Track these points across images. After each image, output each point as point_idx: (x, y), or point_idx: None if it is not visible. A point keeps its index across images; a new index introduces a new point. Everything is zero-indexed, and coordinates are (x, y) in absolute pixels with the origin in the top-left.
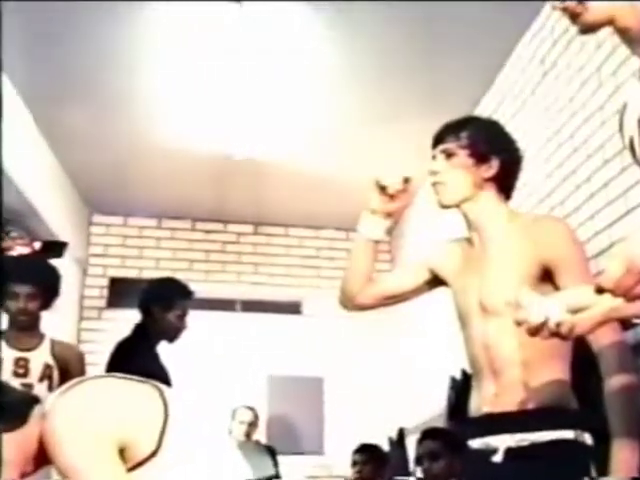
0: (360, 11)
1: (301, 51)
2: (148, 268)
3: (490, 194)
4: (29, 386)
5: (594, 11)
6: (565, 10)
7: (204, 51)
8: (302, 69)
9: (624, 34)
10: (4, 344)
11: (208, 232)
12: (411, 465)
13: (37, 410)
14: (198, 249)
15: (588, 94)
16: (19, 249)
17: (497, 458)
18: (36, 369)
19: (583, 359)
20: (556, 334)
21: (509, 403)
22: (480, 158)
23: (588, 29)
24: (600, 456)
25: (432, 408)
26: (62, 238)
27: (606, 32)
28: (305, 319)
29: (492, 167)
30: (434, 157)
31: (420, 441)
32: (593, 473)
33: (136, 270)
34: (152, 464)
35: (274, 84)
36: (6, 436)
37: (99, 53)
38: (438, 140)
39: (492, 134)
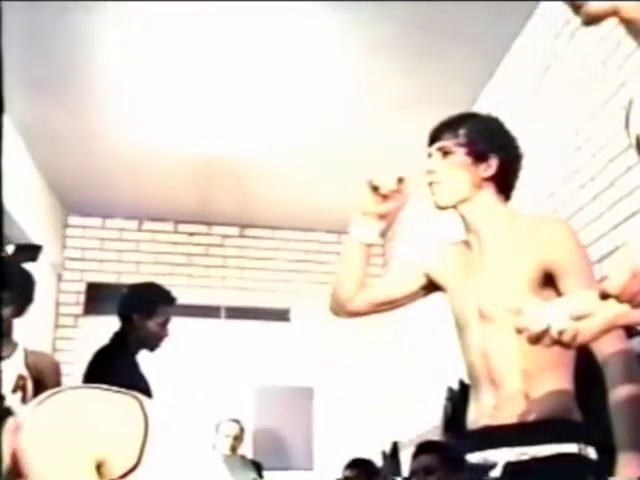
0: (353, 5)
1: (287, 46)
2: (128, 272)
3: (489, 194)
4: (1, 398)
5: (598, 2)
6: (568, 0)
7: (186, 48)
8: (289, 65)
9: (630, 26)
10: None
11: (191, 234)
12: None
13: (10, 423)
14: (181, 252)
15: (592, 89)
16: None
17: (496, 473)
18: (9, 380)
19: (587, 368)
20: (558, 342)
21: (509, 415)
22: (478, 156)
23: (591, 20)
24: (605, 471)
25: (428, 420)
26: (36, 241)
27: (612, 23)
28: (293, 326)
29: (491, 166)
30: (430, 155)
31: (415, 455)
32: None
33: (115, 275)
34: None
35: (259, 81)
36: None
37: (76, 51)
38: (434, 138)
39: (491, 131)
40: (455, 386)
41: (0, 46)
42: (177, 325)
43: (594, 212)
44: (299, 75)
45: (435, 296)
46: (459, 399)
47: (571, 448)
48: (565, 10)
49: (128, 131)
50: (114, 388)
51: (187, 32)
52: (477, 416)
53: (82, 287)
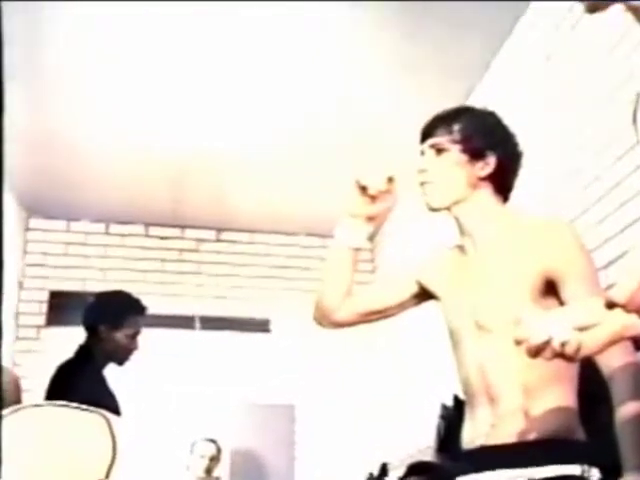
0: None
1: (266, 35)
2: (94, 280)
3: (486, 195)
4: None
5: None
6: None
7: (156, 41)
8: (269, 59)
9: (637, 13)
10: None
11: (163, 238)
12: None
13: None
14: (152, 258)
15: (597, 81)
16: None
17: None
18: None
19: (591, 384)
20: (561, 355)
21: (507, 434)
22: (474, 154)
23: (595, 8)
24: None
25: (419, 439)
26: None
27: (618, 10)
28: (274, 338)
29: (488, 164)
30: (422, 153)
31: (405, 477)
32: None
33: (80, 282)
34: None
35: (237, 74)
36: None
37: (37, 42)
38: (427, 134)
39: (488, 127)
40: (449, 402)
41: (0, 46)
42: (147, 337)
43: (599, 214)
44: (280, 71)
45: (428, 305)
46: (453, 417)
47: (574, 470)
48: None
49: (95, 128)
50: (79, 405)
51: (157, 25)
52: (473, 435)
53: (44, 296)
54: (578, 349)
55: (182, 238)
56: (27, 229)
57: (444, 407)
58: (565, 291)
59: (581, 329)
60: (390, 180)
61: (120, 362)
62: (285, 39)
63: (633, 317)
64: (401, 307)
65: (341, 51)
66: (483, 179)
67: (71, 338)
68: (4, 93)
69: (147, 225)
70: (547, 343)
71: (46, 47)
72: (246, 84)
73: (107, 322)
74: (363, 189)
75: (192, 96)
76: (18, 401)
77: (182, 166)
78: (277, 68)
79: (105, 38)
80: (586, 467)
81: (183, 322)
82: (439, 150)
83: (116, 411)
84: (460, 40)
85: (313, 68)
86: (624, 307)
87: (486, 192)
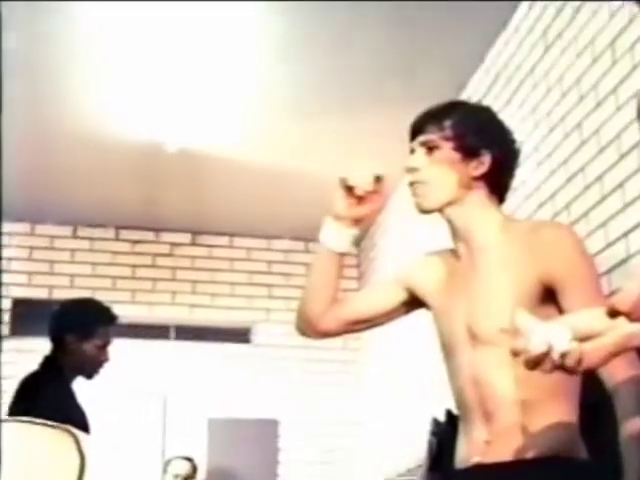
0: None
1: (246, 26)
2: (61, 287)
3: (480, 196)
4: None
5: None
6: None
7: (130, 33)
8: (248, 45)
9: None
10: None
11: (135, 242)
12: None
13: None
14: (123, 263)
15: (600, 73)
16: None
17: None
18: None
19: (594, 398)
20: (561, 367)
21: (504, 451)
22: (468, 152)
23: None
24: None
25: (410, 457)
26: None
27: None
28: (255, 349)
29: (482, 163)
30: (412, 151)
31: None
32: None
33: (46, 289)
34: None
35: (216, 67)
36: None
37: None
38: (417, 130)
39: (482, 123)
40: (441, 418)
41: (0, 47)
42: (119, 348)
43: (601, 216)
44: (259, 54)
45: (418, 313)
46: (446, 433)
47: None
48: None
49: (61, 122)
50: (45, 422)
51: (133, 22)
52: (467, 452)
53: (7, 304)
54: (579, 361)
55: (156, 242)
56: None
57: (436, 422)
58: (565, 299)
59: (582, 339)
60: (378, 180)
61: (89, 375)
62: (264, 35)
63: (638, 326)
64: (390, 316)
65: (328, 45)
66: (477, 179)
67: (36, 349)
68: (4, 93)
69: (118, 228)
70: (546, 354)
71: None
72: (225, 80)
73: (75, 332)
74: (349, 189)
75: (168, 89)
76: None
77: (156, 165)
78: (259, 66)
79: (79, 35)
80: None
81: (157, 332)
82: (430, 148)
83: (85, 428)
84: (453, 31)
85: (295, 65)
86: (628, 315)
87: (480, 193)
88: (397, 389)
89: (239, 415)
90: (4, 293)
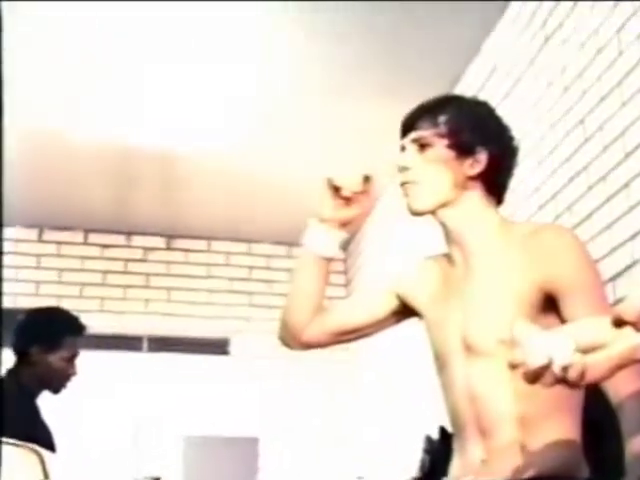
0: None
1: (221, 27)
2: (25, 294)
3: (476, 197)
4: None
5: None
6: None
7: (101, 30)
8: (229, 38)
9: None
10: None
11: (106, 247)
12: None
13: None
14: (92, 269)
15: (604, 66)
16: None
17: None
18: None
19: (597, 413)
20: (562, 380)
21: (501, 471)
22: (463, 150)
23: None
24: None
25: (399, 477)
26: None
27: None
28: (234, 361)
29: (479, 161)
30: (403, 148)
31: None
32: None
33: (9, 297)
34: None
35: (191, 63)
36: None
37: None
38: (409, 126)
39: (478, 119)
40: (434, 435)
41: (0, 48)
42: (87, 360)
43: (606, 219)
44: (243, 47)
45: (409, 323)
46: (439, 451)
47: None
48: None
49: (25, 117)
50: (7, 440)
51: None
52: (462, 472)
53: None
54: (582, 374)
55: (127, 246)
56: None
57: (429, 440)
58: (567, 307)
59: (586, 351)
60: (367, 180)
61: (55, 390)
62: (243, 35)
63: None
64: (379, 326)
65: (313, 38)
66: (473, 178)
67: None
68: (4, 93)
69: (87, 231)
70: (546, 367)
71: None
72: (201, 80)
73: (40, 344)
74: (336, 190)
75: (142, 83)
76: None
77: (128, 163)
78: (236, 62)
79: (43, 33)
80: None
81: (128, 343)
82: (422, 145)
83: (50, 446)
84: (447, 19)
85: (276, 63)
86: (635, 325)
87: (476, 193)
88: (389, 403)
89: (216, 433)
90: None
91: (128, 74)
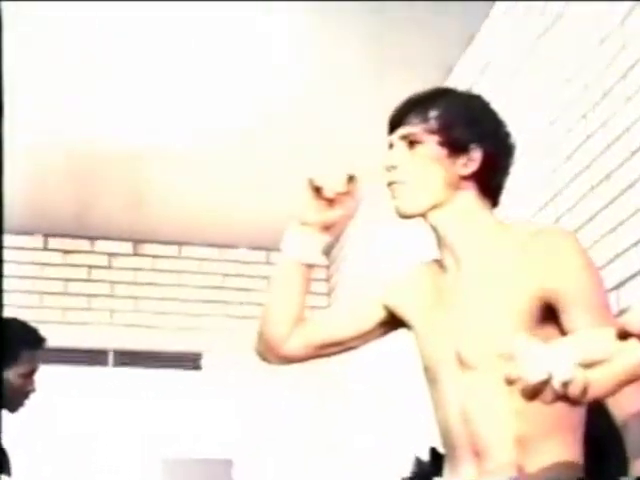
0: None
1: (203, 24)
2: None
3: (469, 198)
4: None
5: None
6: None
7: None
8: (205, 41)
9: None
10: None
11: (67, 252)
12: None
13: None
14: (53, 277)
15: (607, 58)
16: None
17: None
18: None
19: (600, 432)
20: (563, 397)
21: None
22: (456, 147)
23: None
24: None
25: None
26: None
27: None
28: (207, 377)
29: (472, 160)
30: (391, 146)
31: None
32: None
33: None
34: None
35: (167, 52)
36: None
37: None
38: (397, 122)
39: (472, 114)
40: (424, 456)
41: (0, 48)
42: (48, 376)
43: (610, 222)
44: (215, 60)
45: (398, 334)
46: (430, 473)
47: None
48: None
49: None
50: None
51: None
52: None
53: None
54: (584, 390)
55: (91, 252)
56: None
57: (418, 462)
58: (567, 318)
59: (588, 365)
60: (351, 180)
61: (12, 408)
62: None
63: None
64: (364, 338)
65: (298, 27)
66: (466, 178)
67: None
68: (4, 93)
69: (47, 236)
70: (546, 382)
71: None
72: (175, 71)
73: None
74: (317, 191)
75: (105, 76)
76: None
77: (92, 162)
78: (212, 57)
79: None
80: None
81: (93, 357)
82: (412, 142)
83: (6, 469)
84: (440, 8)
85: (259, 53)
86: None
87: (470, 194)
88: (370, 422)
89: (187, 454)
90: None
91: (98, 72)
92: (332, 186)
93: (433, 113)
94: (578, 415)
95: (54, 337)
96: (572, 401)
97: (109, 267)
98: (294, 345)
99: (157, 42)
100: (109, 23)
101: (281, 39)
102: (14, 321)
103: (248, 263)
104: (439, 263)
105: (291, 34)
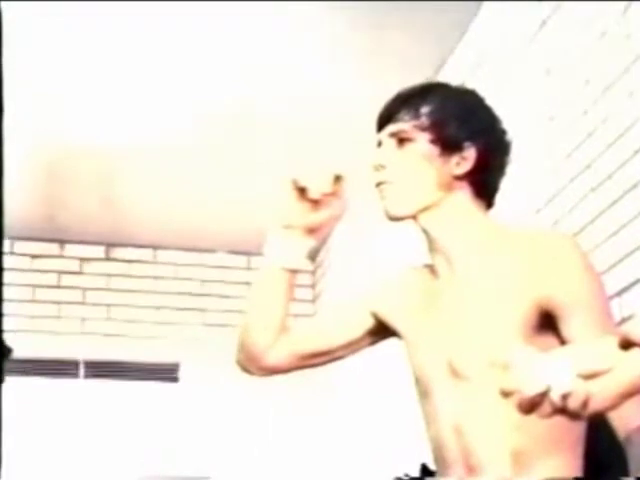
0: None
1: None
2: None
3: (463, 199)
4: None
5: None
6: None
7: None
8: (169, 39)
9: None
10: None
11: (35, 257)
12: None
13: None
14: (20, 283)
15: (609, 51)
16: None
17: None
18: None
19: (602, 448)
20: (562, 411)
21: None
22: (448, 145)
23: None
24: None
25: None
26: None
27: None
28: (184, 389)
29: (466, 159)
30: (380, 144)
31: None
32: None
33: None
34: None
35: (143, 45)
36: None
37: None
38: (386, 119)
39: (466, 110)
40: (414, 473)
41: (0, 47)
42: (15, 388)
43: (611, 225)
44: (199, 51)
45: (388, 343)
46: None
47: None
48: None
49: None
50: None
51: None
52: None
53: None
54: (585, 403)
55: (61, 256)
56: None
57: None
58: (567, 326)
59: (589, 376)
60: (337, 180)
61: None
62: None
63: None
64: (351, 347)
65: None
66: (459, 178)
67: None
68: (4, 93)
69: (13, 240)
70: (544, 395)
71: None
72: (148, 63)
73: None
74: (302, 192)
75: (78, 71)
76: None
77: (62, 161)
78: (189, 54)
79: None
80: None
81: (63, 368)
82: (402, 140)
83: None
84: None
85: (231, 59)
86: None
87: (463, 195)
88: (357, 436)
89: (162, 471)
90: None
91: (70, 71)
92: (317, 187)
93: (424, 109)
94: (578, 430)
95: (21, 347)
96: (572, 415)
97: (80, 272)
98: (277, 355)
99: (130, 41)
100: (79, 22)
101: (269, 37)
102: None
103: (228, 268)
104: (430, 268)
105: (281, 31)
